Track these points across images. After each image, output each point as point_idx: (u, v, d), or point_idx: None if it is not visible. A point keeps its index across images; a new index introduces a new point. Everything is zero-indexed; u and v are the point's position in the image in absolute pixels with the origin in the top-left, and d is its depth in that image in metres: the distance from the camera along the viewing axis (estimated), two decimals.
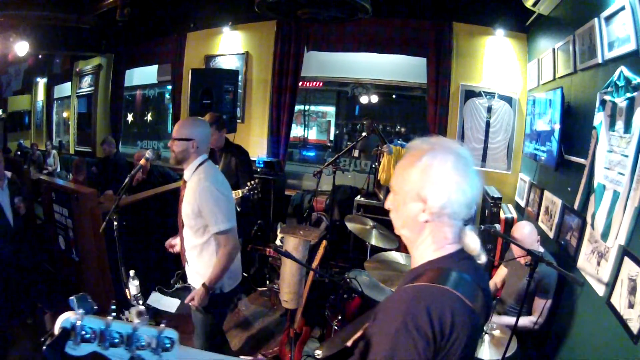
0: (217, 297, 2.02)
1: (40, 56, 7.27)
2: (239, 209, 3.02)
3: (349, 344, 0.96)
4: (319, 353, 1.09)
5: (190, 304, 1.98)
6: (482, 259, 0.94)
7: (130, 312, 0.76)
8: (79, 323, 0.66)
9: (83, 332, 0.66)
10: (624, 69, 1.75)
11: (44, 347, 0.63)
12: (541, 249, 2.37)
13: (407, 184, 0.90)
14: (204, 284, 1.93)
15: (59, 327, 0.66)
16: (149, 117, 7.80)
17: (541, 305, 2.20)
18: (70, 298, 0.69)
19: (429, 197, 0.87)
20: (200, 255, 2.01)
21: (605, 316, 1.72)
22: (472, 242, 0.93)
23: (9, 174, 3.21)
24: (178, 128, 1.96)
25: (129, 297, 2.30)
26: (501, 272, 2.68)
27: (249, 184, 2.88)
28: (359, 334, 0.94)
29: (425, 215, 0.89)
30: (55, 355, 0.63)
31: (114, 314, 0.72)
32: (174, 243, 2.26)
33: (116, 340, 0.69)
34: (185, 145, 1.93)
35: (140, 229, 3.37)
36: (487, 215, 3.47)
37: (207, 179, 1.91)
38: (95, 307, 0.70)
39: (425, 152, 0.89)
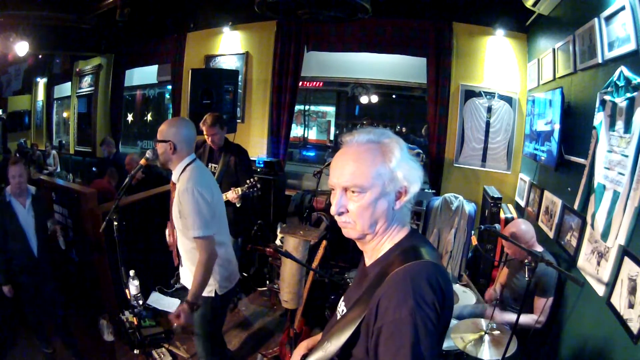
0: (213, 299, 2.02)
1: (40, 56, 7.24)
2: (238, 205, 3.02)
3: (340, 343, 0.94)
4: None
5: (175, 323, 1.89)
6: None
7: None
8: None
9: None
10: (624, 69, 1.74)
11: None
12: (540, 248, 2.37)
13: (382, 177, 0.92)
14: (187, 301, 1.87)
15: None
16: (149, 117, 7.79)
17: (541, 304, 2.19)
18: None
19: (410, 184, 0.94)
20: (194, 257, 1.98)
21: (605, 316, 1.72)
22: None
23: (33, 189, 2.69)
24: (159, 130, 1.96)
25: (129, 297, 2.31)
26: (505, 273, 2.67)
27: (248, 181, 2.89)
28: (347, 334, 0.92)
29: (399, 202, 0.95)
30: None
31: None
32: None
33: None
34: (163, 147, 1.93)
35: (140, 229, 3.37)
36: (487, 215, 3.47)
37: (190, 180, 1.90)
38: None
39: (395, 144, 0.95)
